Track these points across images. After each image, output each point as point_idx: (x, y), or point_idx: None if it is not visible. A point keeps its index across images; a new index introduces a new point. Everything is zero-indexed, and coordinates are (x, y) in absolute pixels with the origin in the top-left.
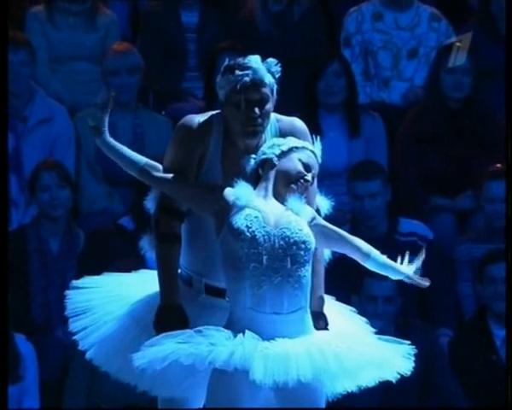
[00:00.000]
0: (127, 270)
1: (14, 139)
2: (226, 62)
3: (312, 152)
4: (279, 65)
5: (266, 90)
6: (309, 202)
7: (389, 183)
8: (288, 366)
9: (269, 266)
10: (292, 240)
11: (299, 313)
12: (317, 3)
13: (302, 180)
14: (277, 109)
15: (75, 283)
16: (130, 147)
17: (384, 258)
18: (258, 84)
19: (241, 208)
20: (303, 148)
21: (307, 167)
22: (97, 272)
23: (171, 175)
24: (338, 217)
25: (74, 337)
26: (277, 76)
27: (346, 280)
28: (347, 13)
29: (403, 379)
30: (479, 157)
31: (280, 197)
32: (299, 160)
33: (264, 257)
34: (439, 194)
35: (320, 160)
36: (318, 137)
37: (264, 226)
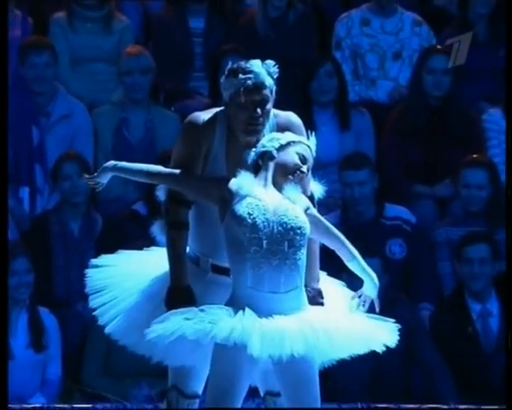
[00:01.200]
0: (139, 249)
1: (39, 133)
2: (229, 65)
3: (308, 146)
4: (277, 66)
5: (267, 92)
6: (304, 191)
7: (376, 172)
8: (283, 343)
9: (268, 250)
10: (289, 226)
11: (295, 292)
12: (310, 10)
13: (298, 171)
14: (275, 106)
15: (94, 261)
16: (142, 140)
17: (365, 264)
18: (259, 86)
19: (243, 197)
20: (299, 142)
21: (303, 160)
22: (113, 252)
23: (177, 171)
24: (330, 203)
25: (94, 313)
26: (276, 77)
27: (337, 260)
28: (338, 19)
29: (388, 349)
30: (456, 149)
31: (278, 186)
32: (296, 153)
33: (264, 241)
34: (421, 182)
35: (314, 153)
36: (313, 133)
37: (264, 213)
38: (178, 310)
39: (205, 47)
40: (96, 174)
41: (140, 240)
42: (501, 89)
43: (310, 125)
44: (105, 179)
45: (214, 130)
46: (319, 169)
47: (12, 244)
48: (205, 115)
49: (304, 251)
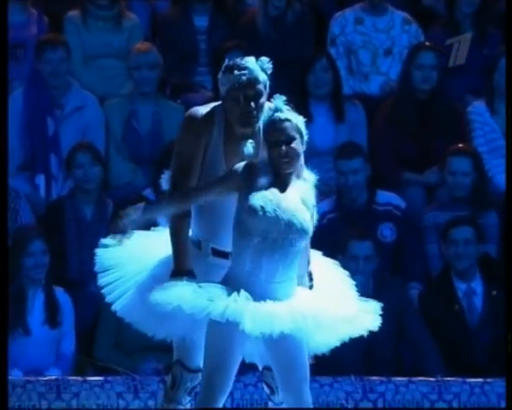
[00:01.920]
0: None
1: (53, 124)
2: (226, 62)
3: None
4: (271, 63)
5: (260, 87)
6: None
7: (368, 161)
8: (273, 323)
9: (271, 243)
10: (295, 228)
11: (288, 283)
12: (307, 9)
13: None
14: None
15: (103, 241)
16: (150, 130)
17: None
18: (253, 82)
19: (261, 189)
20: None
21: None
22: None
23: (193, 191)
24: (325, 190)
25: (102, 291)
26: (269, 72)
27: (333, 242)
28: (333, 17)
29: (380, 326)
30: (443, 139)
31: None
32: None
33: (270, 235)
34: (410, 170)
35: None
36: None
37: (275, 210)
38: (180, 282)
39: (208, 44)
40: (122, 222)
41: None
42: (485, 83)
43: (306, 117)
44: (132, 227)
45: (213, 123)
46: (315, 158)
47: (29, 228)
48: (204, 110)
49: (301, 249)
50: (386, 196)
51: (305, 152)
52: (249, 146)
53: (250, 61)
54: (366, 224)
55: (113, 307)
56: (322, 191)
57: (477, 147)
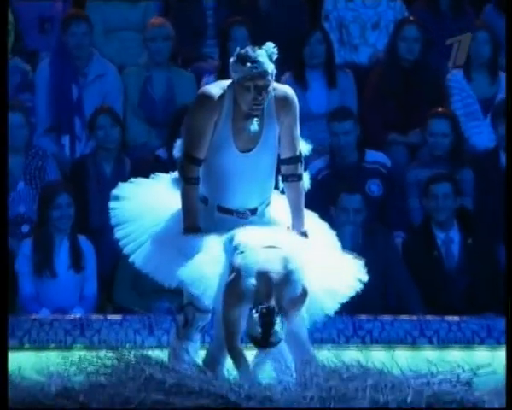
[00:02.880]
0: None
1: (77, 90)
2: (238, 51)
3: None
4: (276, 48)
5: (269, 78)
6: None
7: (358, 123)
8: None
9: None
10: None
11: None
12: None
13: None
14: (277, 68)
15: (114, 192)
16: (164, 95)
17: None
18: (263, 74)
19: None
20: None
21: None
22: None
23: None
24: (319, 150)
25: (119, 243)
26: (275, 58)
27: (326, 196)
28: None
29: (369, 270)
30: (424, 103)
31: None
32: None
33: None
34: (395, 131)
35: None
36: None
37: None
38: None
39: (215, 19)
40: None
41: None
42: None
43: (303, 84)
44: None
45: (223, 102)
46: (310, 121)
47: (55, 183)
48: (215, 90)
49: None
50: (373, 155)
51: (301, 116)
52: (255, 124)
53: (261, 54)
54: (356, 180)
55: (131, 259)
56: (316, 151)
57: (455, 111)
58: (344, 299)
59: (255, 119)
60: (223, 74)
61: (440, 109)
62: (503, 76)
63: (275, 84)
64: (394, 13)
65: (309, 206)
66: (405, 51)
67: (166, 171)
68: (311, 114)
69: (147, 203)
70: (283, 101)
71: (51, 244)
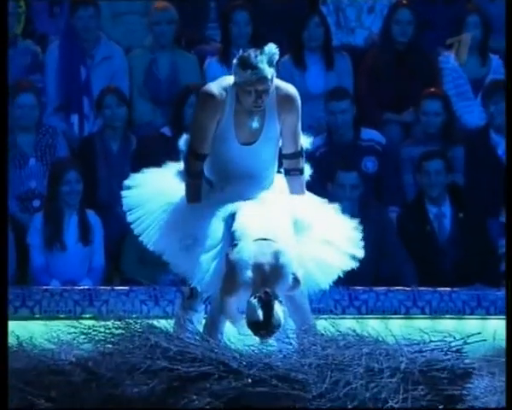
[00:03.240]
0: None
1: (86, 71)
2: (241, 54)
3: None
4: (277, 50)
5: (268, 83)
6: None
7: (354, 103)
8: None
9: None
10: None
11: None
12: None
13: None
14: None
15: (126, 182)
16: (168, 76)
17: None
18: (263, 81)
19: None
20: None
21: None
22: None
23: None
24: (318, 128)
25: (131, 226)
26: (276, 59)
27: (324, 173)
28: None
29: (365, 244)
30: (418, 84)
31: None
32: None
33: None
34: (390, 110)
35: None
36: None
37: None
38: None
39: (217, 2)
40: None
41: (166, 156)
42: (454, 37)
43: (302, 66)
44: None
45: (225, 100)
46: (309, 100)
47: (65, 160)
48: (217, 88)
49: None
50: (369, 133)
51: (300, 96)
52: (256, 121)
53: (261, 61)
54: (352, 157)
55: (140, 239)
56: (314, 129)
57: (447, 91)
58: (338, 273)
59: (256, 116)
60: (224, 56)
61: (433, 90)
62: (493, 58)
63: (278, 82)
64: None
65: (307, 182)
66: (399, 34)
67: (170, 147)
68: (309, 94)
69: (155, 189)
70: (285, 100)
71: (61, 218)
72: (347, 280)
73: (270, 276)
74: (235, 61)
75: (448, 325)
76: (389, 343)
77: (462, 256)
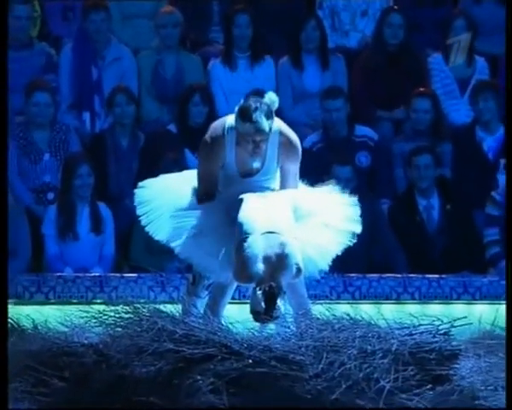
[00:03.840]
0: (171, 159)
1: (97, 71)
2: (242, 104)
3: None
4: (277, 99)
5: (266, 134)
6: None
7: (348, 101)
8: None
9: None
10: None
11: None
12: None
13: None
14: (273, 51)
15: (140, 183)
16: (173, 76)
17: None
18: (261, 133)
19: None
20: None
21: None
22: (152, 160)
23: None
24: (314, 125)
25: (139, 218)
26: (276, 106)
27: (320, 167)
28: None
29: (359, 234)
30: (408, 83)
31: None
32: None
33: None
34: (382, 108)
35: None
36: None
37: None
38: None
39: (221, 6)
40: None
41: (171, 152)
42: (441, 39)
43: (299, 66)
44: None
45: (225, 144)
46: (306, 99)
47: (77, 155)
48: (217, 136)
49: None
50: (362, 130)
51: (297, 95)
52: (257, 162)
53: (259, 115)
54: (346, 152)
55: (147, 228)
56: (311, 126)
57: (435, 90)
58: (336, 252)
59: (257, 157)
60: (227, 57)
61: (422, 89)
62: (478, 59)
63: (282, 127)
64: (381, 2)
65: (304, 176)
66: (390, 36)
67: (176, 143)
68: (306, 93)
69: (165, 186)
70: (286, 148)
71: (74, 210)
72: (342, 268)
73: (277, 266)
74: (236, 109)
75: (436, 309)
76: (381, 327)
77: (449, 245)
